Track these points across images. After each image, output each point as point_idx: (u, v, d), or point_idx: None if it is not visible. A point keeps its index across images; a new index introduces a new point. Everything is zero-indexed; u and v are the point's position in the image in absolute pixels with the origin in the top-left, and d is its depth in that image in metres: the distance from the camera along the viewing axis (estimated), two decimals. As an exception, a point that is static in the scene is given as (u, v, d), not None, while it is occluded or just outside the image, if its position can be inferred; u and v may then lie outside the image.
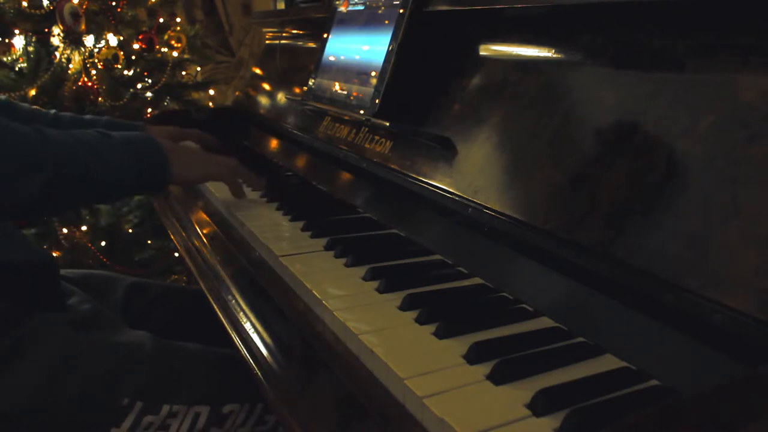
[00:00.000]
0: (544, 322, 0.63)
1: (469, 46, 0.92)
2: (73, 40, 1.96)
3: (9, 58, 1.94)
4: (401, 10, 0.98)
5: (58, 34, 1.94)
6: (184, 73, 2.33)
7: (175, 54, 2.26)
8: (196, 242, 1.00)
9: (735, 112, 0.55)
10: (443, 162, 0.84)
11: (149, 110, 2.11)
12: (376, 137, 1.01)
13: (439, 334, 0.59)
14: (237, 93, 1.86)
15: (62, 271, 1.08)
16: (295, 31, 1.56)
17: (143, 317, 1.07)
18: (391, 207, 0.94)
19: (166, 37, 2.26)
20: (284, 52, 1.57)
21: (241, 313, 0.75)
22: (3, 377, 0.78)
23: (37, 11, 1.93)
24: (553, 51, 0.77)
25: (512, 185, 0.73)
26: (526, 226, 0.68)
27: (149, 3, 2.27)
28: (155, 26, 2.24)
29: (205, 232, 1.01)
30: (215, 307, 0.79)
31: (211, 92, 2.50)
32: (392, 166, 0.93)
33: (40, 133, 0.79)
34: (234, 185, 1.02)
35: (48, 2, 1.94)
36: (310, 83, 1.22)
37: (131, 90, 2.08)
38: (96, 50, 2.03)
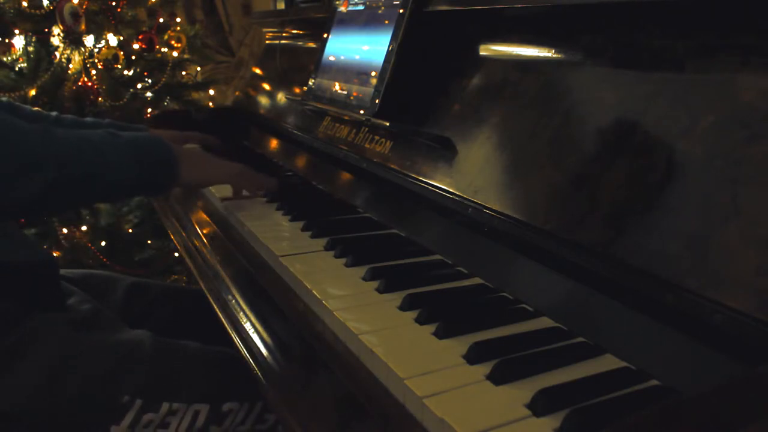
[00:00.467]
0: (544, 322, 0.63)
1: (469, 46, 0.91)
2: (73, 40, 1.96)
3: (9, 58, 1.94)
4: (401, 10, 0.98)
5: (58, 34, 1.94)
6: (184, 73, 2.33)
7: (175, 54, 2.26)
8: (196, 242, 1.00)
9: (735, 112, 0.55)
10: (443, 162, 0.84)
11: (149, 110, 2.11)
12: (376, 137, 1.01)
13: (439, 334, 0.59)
14: (237, 93, 1.86)
15: (62, 271, 1.08)
16: (295, 31, 1.56)
17: (143, 317, 1.07)
18: (391, 207, 0.94)
19: (166, 37, 2.26)
20: (284, 52, 1.57)
21: (241, 313, 0.75)
22: (3, 377, 0.79)
23: (37, 11, 1.93)
24: (553, 51, 0.77)
25: (512, 185, 0.73)
26: (526, 226, 0.68)
27: (149, 3, 2.27)
28: (155, 26, 2.24)
29: (205, 232, 1.01)
30: (215, 307, 0.79)
31: (211, 92, 2.49)
32: (392, 166, 0.93)
33: (44, 131, 0.79)
34: (239, 187, 1.03)
35: (48, 2, 1.94)
36: (310, 83, 1.22)
37: (131, 90, 2.08)
38: (96, 50, 2.03)
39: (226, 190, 1.08)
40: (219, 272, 0.87)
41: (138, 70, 2.14)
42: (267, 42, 1.77)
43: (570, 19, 0.76)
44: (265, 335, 0.69)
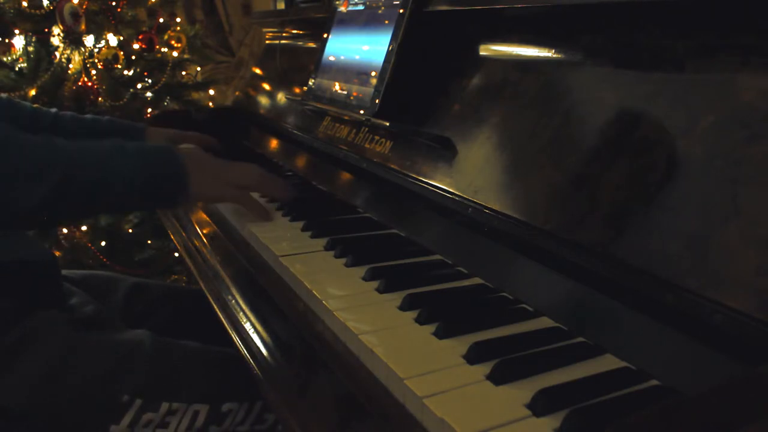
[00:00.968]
0: (544, 322, 0.63)
1: (469, 46, 0.91)
2: (73, 40, 1.96)
3: (9, 58, 1.94)
4: (401, 10, 0.98)
5: (58, 34, 1.94)
6: (184, 73, 2.33)
7: (175, 54, 2.26)
8: (196, 242, 1.00)
9: (735, 112, 0.55)
10: (443, 162, 0.84)
11: (149, 110, 2.11)
12: (376, 137, 1.01)
13: (439, 334, 0.59)
14: (237, 93, 1.86)
15: (64, 272, 1.08)
16: (295, 31, 1.56)
17: (144, 317, 1.08)
18: (391, 207, 0.94)
19: (166, 37, 2.26)
20: (284, 52, 1.57)
21: (241, 313, 0.75)
22: (3, 375, 0.79)
23: (37, 11, 1.93)
24: (553, 51, 0.77)
25: (512, 185, 0.73)
26: (526, 226, 0.68)
27: (149, 3, 2.27)
28: (155, 26, 2.24)
29: (205, 232, 1.01)
30: (215, 307, 0.79)
31: (211, 92, 2.49)
32: (392, 166, 0.93)
33: (49, 143, 0.78)
34: (253, 206, 0.94)
35: (48, 2, 1.94)
36: (310, 83, 1.22)
37: (131, 90, 2.08)
38: (96, 50, 2.03)
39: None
40: (219, 272, 0.87)
41: (138, 70, 2.14)
42: (267, 42, 1.77)
43: (570, 19, 0.76)
44: (265, 335, 0.69)
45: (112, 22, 2.09)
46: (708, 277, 0.50)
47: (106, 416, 0.80)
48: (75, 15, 1.92)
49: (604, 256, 0.58)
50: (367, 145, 1.02)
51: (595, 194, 0.62)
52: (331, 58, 1.18)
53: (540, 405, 0.48)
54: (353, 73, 1.08)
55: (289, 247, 0.83)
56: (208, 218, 1.06)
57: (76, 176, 0.78)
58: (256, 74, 1.72)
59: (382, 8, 1.04)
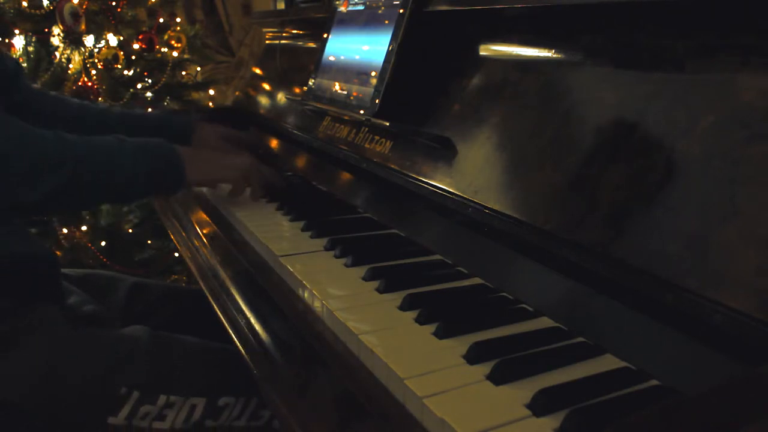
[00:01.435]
0: (544, 322, 0.63)
1: (469, 46, 0.91)
2: (73, 40, 1.96)
3: (9, 58, 1.94)
4: (401, 10, 0.98)
5: (58, 34, 1.94)
6: (184, 73, 2.33)
7: (175, 54, 2.26)
8: (196, 242, 1.00)
9: (735, 112, 0.55)
10: (443, 162, 0.84)
11: (149, 110, 2.11)
12: (376, 137, 1.01)
13: (439, 334, 0.59)
14: (237, 93, 1.86)
15: (64, 270, 1.08)
16: (295, 31, 1.56)
17: (144, 317, 1.08)
18: (391, 207, 0.94)
19: (166, 37, 2.26)
20: (284, 52, 1.57)
21: (241, 314, 0.75)
22: (1, 366, 0.79)
23: (37, 11, 1.93)
24: (553, 51, 0.77)
25: (512, 185, 0.73)
26: (526, 226, 0.68)
27: (149, 3, 2.27)
28: (155, 26, 2.24)
29: (205, 232, 1.01)
30: (215, 307, 0.79)
31: (211, 92, 2.49)
32: (392, 166, 0.93)
33: (58, 136, 0.84)
34: (238, 188, 1.04)
35: (48, 2, 1.93)
36: (310, 83, 1.22)
37: (131, 90, 2.08)
38: (96, 50, 2.02)
39: (227, 189, 1.08)
40: (219, 272, 0.87)
41: (138, 70, 2.14)
42: (267, 42, 1.77)
43: (570, 19, 0.76)
44: (264, 335, 0.69)
45: (112, 22, 2.09)
46: (708, 277, 0.50)
47: (104, 408, 0.81)
48: (75, 15, 1.91)
49: (604, 256, 0.58)
50: (367, 145, 1.02)
51: (595, 194, 0.62)
52: (331, 58, 1.18)
53: (540, 405, 0.48)
54: (353, 73, 1.08)
55: (289, 247, 0.83)
56: (208, 218, 1.06)
57: (83, 170, 0.84)
58: (256, 74, 1.72)
59: (382, 8, 1.04)
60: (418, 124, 0.93)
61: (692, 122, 0.58)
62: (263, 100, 1.57)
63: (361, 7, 1.12)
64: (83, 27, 1.95)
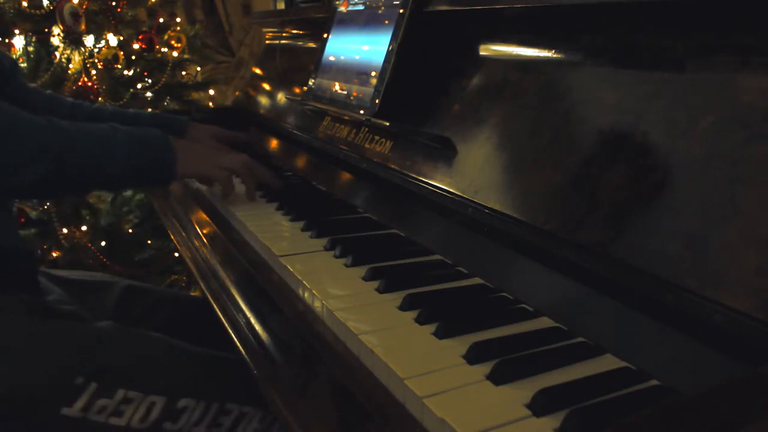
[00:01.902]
0: (544, 322, 0.63)
1: (469, 46, 0.91)
2: (73, 40, 1.96)
3: (9, 58, 1.94)
4: (401, 10, 0.98)
5: (58, 34, 1.94)
6: (184, 73, 2.33)
7: (175, 54, 2.26)
8: (196, 242, 1.00)
9: (735, 112, 0.55)
10: (443, 162, 0.84)
11: (149, 110, 2.11)
12: (376, 137, 1.01)
13: (439, 334, 0.59)
14: (237, 93, 1.86)
15: (53, 271, 1.08)
16: (295, 31, 1.56)
17: (137, 323, 1.07)
18: (391, 207, 0.94)
19: (166, 37, 2.26)
20: (284, 52, 1.57)
21: (241, 314, 0.75)
22: None
23: (37, 11, 1.93)
24: (553, 51, 0.77)
25: (512, 185, 0.73)
26: (526, 226, 0.68)
27: (149, 3, 2.27)
28: (155, 26, 2.24)
29: (205, 232, 1.01)
30: (215, 307, 0.79)
31: (211, 92, 2.49)
32: (392, 166, 0.93)
33: (49, 122, 0.86)
34: (225, 185, 1.05)
35: (48, 2, 1.93)
36: (310, 83, 1.22)
37: (131, 90, 2.08)
38: (96, 50, 2.02)
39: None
40: (219, 272, 0.87)
41: (138, 70, 2.14)
42: (267, 42, 1.77)
43: (570, 19, 0.76)
44: (264, 335, 0.69)
45: (112, 22, 2.09)
46: (708, 277, 0.50)
47: (58, 398, 0.78)
48: (75, 15, 1.91)
49: (604, 256, 0.58)
50: (367, 145, 1.02)
51: (595, 194, 0.62)
52: (331, 58, 1.18)
53: (540, 405, 0.48)
54: (353, 73, 1.08)
55: (289, 246, 0.83)
56: (208, 218, 1.06)
57: (72, 156, 0.86)
58: (256, 74, 1.72)
59: (382, 8, 1.04)
60: (418, 124, 0.93)
61: (692, 122, 0.58)
62: (263, 100, 1.57)
63: (361, 7, 1.12)
64: (83, 27, 1.95)
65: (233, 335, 0.71)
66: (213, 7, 3.74)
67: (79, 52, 1.98)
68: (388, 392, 0.54)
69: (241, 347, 0.69)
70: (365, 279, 0.73)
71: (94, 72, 1.99)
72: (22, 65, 1.92)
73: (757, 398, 0.36)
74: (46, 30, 1.95)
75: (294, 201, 1.02)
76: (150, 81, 2.17)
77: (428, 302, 0.65)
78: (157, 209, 1.28)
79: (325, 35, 1.22)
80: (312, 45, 1.46)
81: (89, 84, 1.97)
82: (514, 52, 0.84)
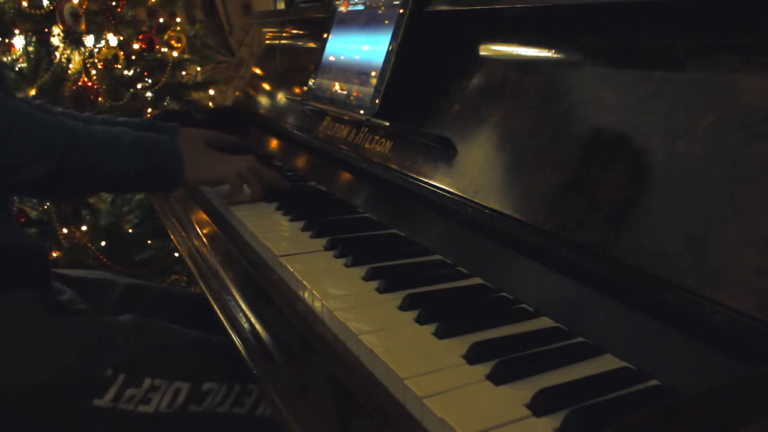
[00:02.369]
0: (544, 322, 0.63)
1: (469, 46, 0.91)
2: (73, 40, 1.96)
3: (9, 58, 1.94)
4: (401, 10, 0.98)
5: (58, 34, 1.94)
6: (184, 73, 2.33)
7: (175, 54, 2.25)
8: (196, 242, 1.00)
9: (735, 112, 0.55)
10: (443, 162, 0.84)
11: (149, 110, 2.11)
12: (376, 137, 1.01)
13: (439, 334, 0.59)
14: (237, 93, 1.86)
15: (59, 270, 1.08)
16: (295, 31, 1.56)
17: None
18: (391, 207, 0.94)
19: (166, 37, 2.25)
20: (284, 52, 1.57)
21: (241, 313, 0.75)
22: None
23: (37, 11, 1.93)
24: (553, 51, 0.77)
25: (512, 185, 0.73)
26: (526, 226, 0.68)
27: (149, 3, 2.26)
28: (155, 26, 2.24)
29: (205, 232, 1.01)
30: (215, 307, 0.79)
31: (211, 92, 2.49)
32: (392, 166, 0.93)
33: (56, 120, 0.87)
34: (236, 189, 1.05)
35: (48, 2, 1.93)
36: (310, 83, 1.22)
37: (131, 90, 2.08)
38: (96, 50, 2.02)
39: (227, 189, 1.08)
40: (219, 272, 0.87)
41: (138, 70, 2.14)
42: (267, 42, 1.77)
43: (570, 19, 0.76)
44: (264, 335, 0.69)
45: (112, 22, 2.09)
46: (708, 277, 0.50)
47: (89, 390, 0.81)
48: (75, 15, 1.91)
49: (604, 256, 0.58)
50: (367, 145, 1.02)
51: (595, 194, 0.62)
52: (331, 58, 1.18)
53: (540, 405, 0.48)
54: (353, 73, 1.08)
55: (289, 246, 0.83)
56: (208, 218, 1.06)
57: (75, 155, 0.86)
58: (256, 74, 1.72)
59: (382, 8, 1.04)
60: (418, 124, 0.93)
61: (692, 122, 0.58)
62: (263, 100, 1.57)
63: (361, 7, 1.12)
64: (83, 27, 1.95)
65: (233, 335, 0.71)
66: (213, 7, 3.74)
67: (79, 52, 1.98)
68: (388, 392, 0.54)
69: (241, 347, 0.69)
70: (365, 279, 0.73)
71: (94, 72, 1.99)
72: (21, 65, 1.93)
73: (757, 398, 0.36)
74: (46, 30, 1.95)
75: (294, 201, 1.02)
76: (150, 81, 2.17)
77: (428, 302, 0.65)
78: (157, 209, 1.28)
79: (325, 35, 1.22)
80: (312, 45, 1.46)
81: (89, 84, 1.97)
82: (514, 52, 0.84)
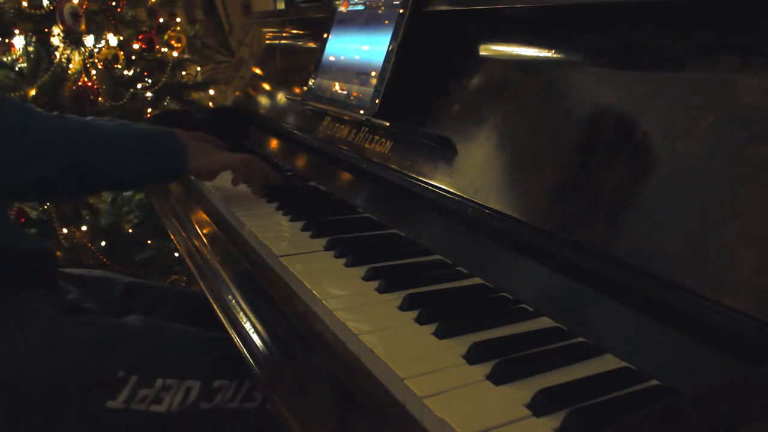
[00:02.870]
0: (544, 322, 0.63)
1: (469, 46, 0.91)
2: (73, 40, 1.95)
3: (9, 58, 1.94)
4: (401, 10, 0.98)
5: (58, 34, 1.94)
6: (184, 73, 2.33)
7: (175, 54, 2.25)
8: (196, 242, 1.00)
9: (735, 112, 0.55)
10: (443, 162, 0.84)
11: (149, 110, 2.11)
12: (376, 137, 1.01)
13: (439, 334, 0.59)
14: (237, 93, 1.86)
15: (61, 270, 1.08)
16: (295, 31, 1.56)
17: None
18: (391, 207, 0.94)
19: (166, 37, 2.25)
20: (284, 52, 1.57)
21: (241, 313, 0.75)
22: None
23: (37, 11, 1.93)
24: (553, 51, 0.77)
25: (512, 185, 0.73)
26: (526, 226, 0.68)
27: (149, 3, 2.26)
28: (155, 26, 2.24)
29: (205, 232, 1.01)
30: (215, 307, 0.79)
31: (211, 92, 2.49)
32: (392, 166, 0.93)
33: (61, 119, 0.87)
34: (240, 174, 1.06)
35: (48, 2, 1.93)
36: (310, 83, 1.22)
37: (131, 90, 2.08)
38: (96, 50, 2.02)
39: (227, 189, 1.08)
40: (219, 272, 0.87)
41: (138, 70, 2.14)
42: (267, 42, 1.77)
43: (570, 19, 0.76)
44: (265, 335, 0.69)
45: (112, 22, 2.09)
46: (708, 277, 0.50)
47: (103, 391, 0.81)
48: (75, 15, 1.91)
49: (604, 256, 0.58)
50: (367, 145, 1.02)
51: (595, 194, 0.62)
52: (331, 58, 1.18)
53: (540, 405, 0.48)
54: (353, 73, 1.08)
55: (289, 246, 0.83)
56: (208, 218, 1.06)
57: (83, 154, 0.86)
58: (256, 74, 1.72)
59: (382, 8, 1.04)
60: (418, 124, 0.93)
61: (692, 122, 0.58)
62: (263, 100, 1.57)
63: (361, 7, 1.12)
64: (83, 27, 1.95)
65: (233, 335, 0.71)
66: (213, 7, 3.74)
67: (79, 52, 1.98)
68: (388, 392, 0.54)
69: (241, 347, 0.69)
70: (365, 279, 0.73)
71: (94, 72, 1.99)
72: (22, 65, 1.92)
73: (757, 398, 0.36)
74: (46, 30, 1.95)
75: (294, 201, 1.02)
76: (150, 81, 2.17)
77: (428, 302, 0.65)
78: (157, 209, 1.28)
79: (325, 35, 1.22)
80: (312, 45, 1.46)
81: (89, 84, 1.97)
82: (514, 52, 0.84)
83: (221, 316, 0.77)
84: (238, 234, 0.95)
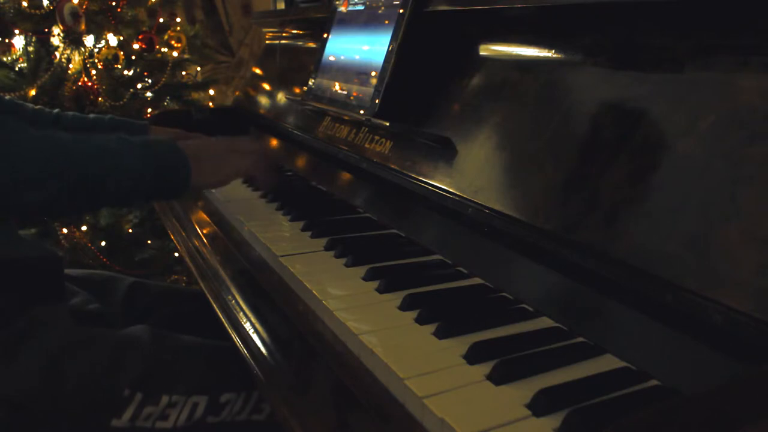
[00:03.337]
0: (544, 322, 0.63)
1: (468, 46, 0.91)
2: (73, 40, 1.96)
3: (9, 58, 1.94)
4: (401, 10, 0.98)
5: (58, 34, 1.94)
6: (184, 73, 2.33)
7: (175, 54, 2.26)
8: (196, 242, 1.00)
9: (735, 112, 0.55)
10: (443, 162, 0.84)
11: (149, 110, 2.11)
12: (376, 137, 1.01)
13: (439, 334, 0.59)
14: (237, 93, 1.86)
15: (66, 271, 1.08)
16: (295, 31, 1.56)
17: (143, 317, 1.08)
18: (391, 207, 0.94)
19: (166, 37, 2.25)
20: (284, 52, 1.57)
21: (241, 313, 0.75)
22: (4, 364, 0.79)
23: (37, 11, 1.93)
24: (553, 51, 0.77)
25: (512, 185, 0.73)
26: (526, 226, 0.68)
27: (149, 3, 2.27)
28: (155, 26, 2.24)
29: (205, 232, 1.01)
30: (215, 307, 0.79)
31: (211, 92, 2.49)
32: (392, 166, 0.93)
33: (52, 142, 0.78)
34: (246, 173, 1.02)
35: (48, 2, 1.93)
36: (310, 83, 1.22)
37: (131, 90, 2.08)
38: (96, 50, 2.02)
39: (227, 189, 1.08)
40: (219, 272, 0.87)
41: (138, 70, 2.14)
42: (267, 42, 1.77)
43: (570, 19, 0.76)
44: (265, 335, 0.69)
45: (112, 22, 2.09)
46: (708, 277, 0.50)
47: (108, 410, 0.81)
48: (75, 15, 1.91)
49: (604, 256, 0.58)
50: (367, 145, 1.02)
51: (595, 194, 0.62)
52: (331, 58, 1.18)
53: (540, 405, 0.48)
54: (353, 73, 1.08)
55: (289, 246, 0.83)
56: (208, 218, 1.06)
57: (79, 175, 0.78)
58: (256, 74, 1.72)
59: (382, 8, 1.04)
60: (418, 124, 0.93)
61: (692, 122, 0.58)
62: (263, 100, 1.57)
63: (361, 7, 1.12)
64: (83, 27, 1.95)
65: (233, 335, 0.71)
66: (213, 7, 3.74)
67: (79, 52, 1.98)
68: (388, 392, 0.54)
69: (241, 347, 0.69)
70: (365, 279, 0.73)
71: (94, 72, 1.99)
72: (22, 65, 1.93)
73: (757, 398, 0.36)
74: (46, 30, 1.95)
75: (294, 201, 1.02)
76: (150, 81, 2.17)
77: (428, 302, 0.65)
78: (157, 209, 1.28)
79: (325, 35, 1.22)
80: (312, 45, 1.46)
81: (89, 84, 1.97)
82: (514, 52, 0.84)
83: (221, 317, 0.77)
84: (238, 234, 0.95)
